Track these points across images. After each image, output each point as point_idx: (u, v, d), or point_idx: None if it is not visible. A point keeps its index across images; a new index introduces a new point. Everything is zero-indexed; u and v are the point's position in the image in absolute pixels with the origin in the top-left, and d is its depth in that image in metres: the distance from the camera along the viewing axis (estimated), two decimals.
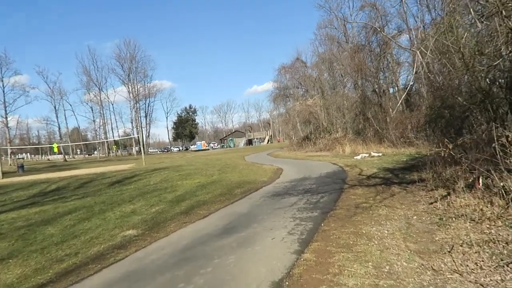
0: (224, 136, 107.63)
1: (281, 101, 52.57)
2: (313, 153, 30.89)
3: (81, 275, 4.89)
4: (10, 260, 5.91)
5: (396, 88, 33.58)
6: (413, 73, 30.21)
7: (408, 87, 23.09)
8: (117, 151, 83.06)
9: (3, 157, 60.13)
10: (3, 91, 53.12)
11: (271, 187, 11.83)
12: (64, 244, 6.62)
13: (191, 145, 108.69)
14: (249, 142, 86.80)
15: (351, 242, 5.03)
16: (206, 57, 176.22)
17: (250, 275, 4.20)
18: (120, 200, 11.20)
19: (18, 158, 63.86)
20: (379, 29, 25.10)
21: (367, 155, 21.25)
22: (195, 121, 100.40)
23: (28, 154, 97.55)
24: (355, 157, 20.65)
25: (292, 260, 4.53)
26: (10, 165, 48.86)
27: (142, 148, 31.30)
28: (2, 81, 53.17)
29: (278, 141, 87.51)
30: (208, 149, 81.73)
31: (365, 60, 30.60)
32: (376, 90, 30.60)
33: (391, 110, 28.21)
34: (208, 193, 11.35)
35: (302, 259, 4.51)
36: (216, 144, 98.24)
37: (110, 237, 6.91)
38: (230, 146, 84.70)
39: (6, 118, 53.81)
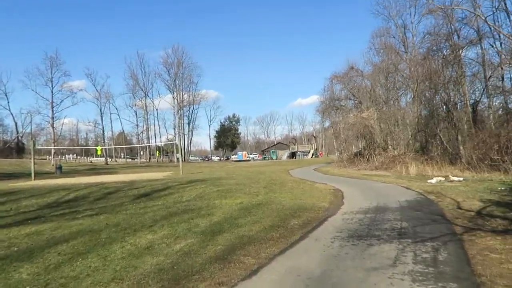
0: (266, 147, 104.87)
1: (329, 113, 49.13)
2: (368, 172, 27.25)
3: None
4: None
5: (464, 103, 28.81)
6: (485, 87, 26.13)
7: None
8: (160, 157, 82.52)
9: (48, 157, 60.77)
10: (52, 92, 53.50)
11: (339, 219, 8.68)
12: None
13: (232, 155, 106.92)
14: (292, 155, 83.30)
15: None
16: (252, 68, 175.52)
17: None
18: (138, 224, 8.51)
19: (60, 159, 64.32)
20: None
21: (443, 179, 17.50)
22: (237, 130, 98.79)
23: (75, 155, 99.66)
24: (429, 181, 17.01)
25: None
26: (52, 165, 48.54)
27: (181, 156, 29.00)
28: (52, 81, 53.63)
29: (320, 155, 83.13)
30: (249, 160, 79.21)
31: (437, 69, 26.65)
32: (447, 103, 26.53)
33: (466, 127, 24.14)
34: (255, 222, 8.40)
35: None
36: (257, 156, 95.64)
37: None
38: (272, 158, 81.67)
39: (53, 118, 54.01)
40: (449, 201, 10.58)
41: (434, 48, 28.00)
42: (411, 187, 14.88)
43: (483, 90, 26.16)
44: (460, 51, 25.75)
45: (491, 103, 26.06)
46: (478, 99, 26.85)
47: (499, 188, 13.13)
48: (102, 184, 17.66)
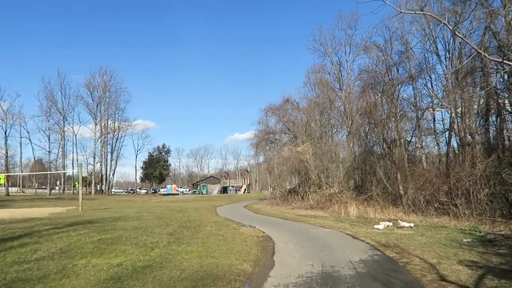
0: (198, 181, 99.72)
1: (264, 147, 46.64)
2: (303, 211, 24.31)
3: None
4: None
5: (400, 142, 27.18)
6: (417, 126, 25.05)
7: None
8: (80, 188, 73.19)
9: None
10: None
11: None
12: None
13: (161, 188, 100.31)
14: (224, 189, 78.68)
15: None
16: (191, 100, 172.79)
17: None
18: None
19: None
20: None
21: (391, 224, 14.79)
22: (167, 162, 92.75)
23: None
24: (375, 226, 14.17)
25: None
26: None
27: (80, 188, 23.78)
28: None
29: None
30: (178, 194, 73.74)
31: (376, 103, 25.01)
32: (385, 139, 24.79)
33: (407, 165, 22.24)
34: None
35: None
36: (187, 189, 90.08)
37: None
38: (202, 193, 76.62)
39: None
40: (420, 264, 7.49)
41: (372, 81, 26.58)
42: (358, 236, 11.83)
43: (414, 129, 25.06)
44: (399, 86, 24.44)
45: (421, 143, 24.99)
46: (409, 139, 25.66)
47: (465, 240, 10.51)
48: None
